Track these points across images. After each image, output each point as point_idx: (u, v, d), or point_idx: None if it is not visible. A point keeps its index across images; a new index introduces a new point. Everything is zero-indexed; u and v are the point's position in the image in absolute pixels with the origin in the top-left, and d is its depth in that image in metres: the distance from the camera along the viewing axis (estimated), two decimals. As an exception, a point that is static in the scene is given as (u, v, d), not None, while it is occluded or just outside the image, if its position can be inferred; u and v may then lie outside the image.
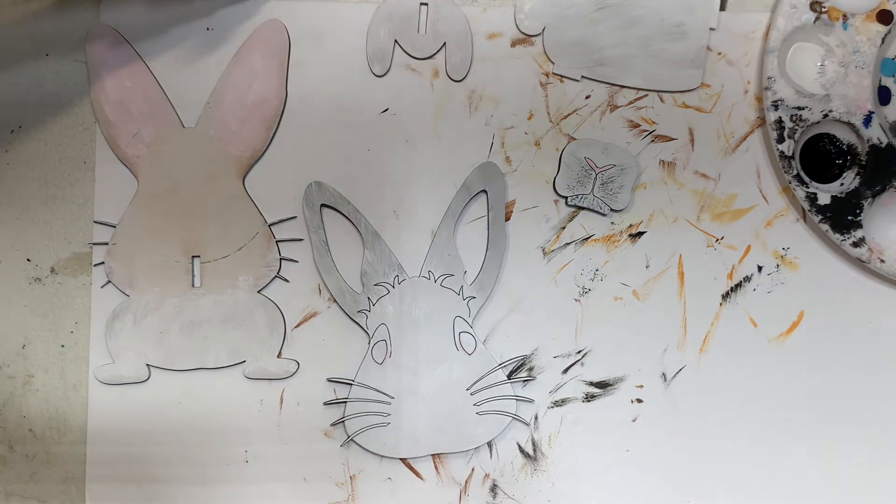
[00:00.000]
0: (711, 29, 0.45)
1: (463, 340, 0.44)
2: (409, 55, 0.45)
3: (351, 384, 0.44)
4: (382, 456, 0.44)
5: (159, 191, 0.44)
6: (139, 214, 0.44)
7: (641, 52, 0.45)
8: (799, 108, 0.44)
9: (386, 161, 0.45)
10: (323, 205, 0.44)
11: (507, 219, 0.45)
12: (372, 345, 0.44)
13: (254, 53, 0.44)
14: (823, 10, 0.44)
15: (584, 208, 0.45)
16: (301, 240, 0.44)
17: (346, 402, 0.44)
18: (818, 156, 0.45)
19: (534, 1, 0.44)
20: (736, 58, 0.45)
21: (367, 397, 0.44)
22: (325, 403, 0.44)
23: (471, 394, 0.44)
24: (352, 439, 0.44)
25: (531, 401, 0.45)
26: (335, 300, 0.44)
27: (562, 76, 0.45)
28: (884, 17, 0.44)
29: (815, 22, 0.44)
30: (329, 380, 0.44)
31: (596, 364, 0.45)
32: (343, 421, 0.44)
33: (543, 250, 0.45)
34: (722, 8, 0.45)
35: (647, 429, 0.45)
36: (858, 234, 0.44)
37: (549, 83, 0.45)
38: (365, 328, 0.44)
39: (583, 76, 0.45)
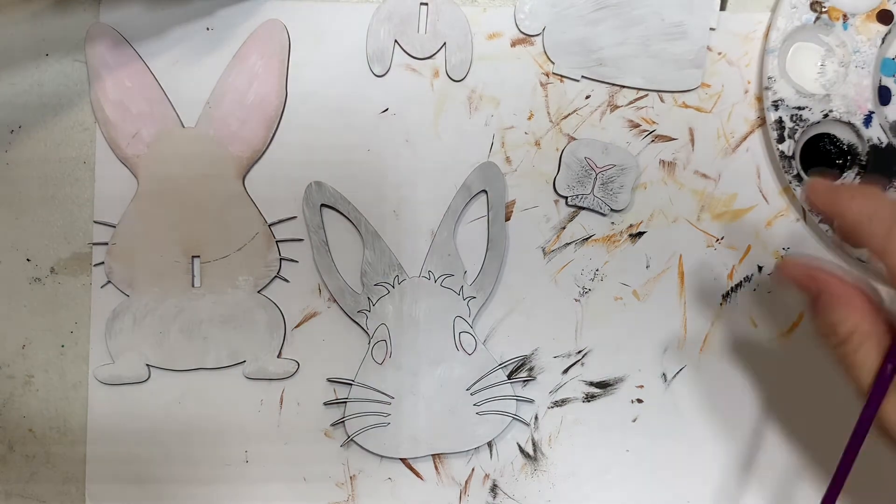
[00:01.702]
0: (711, 29, 0.45)
1: (463, 340, 0.44)
2: (409, 55, 0.45)
3: (351, 384, 0.44)
4: (382, 456, 0.44)
5: (159, 191, 0.44)
6: (139, 214, 0.44)
7: (641, 52, 0.45)
8: (799, 108, 0.44)
9: (386, 161, 0.45)
10: (323, 205, 0.44)
11: (507, 219, 0.45)
12: (372, 345, 0.44)
13: (254, 53, 0.44)
14: (823, 10, 0.44)
15: (584, 208, 0.45)
16: (301, 240, 0.44)
17: (345, 402, 0.44)
18: (818, 156, 0.45)
19: (534, 1, 0.44)
20: (736, 58, 0.45)
21: (366, 397, 0.44)
22: (325, 404, 0.44)
23: (471, 394, 0.44)
24: (352, 439, 0.44)
25: (531, 401, 0.45)
26: (335, 300, 0.44)
27: (562, 76, 0.45)
28: (884, 17, 0.44)
29: (815, 22, 0.44)
30: (329, 380, 0.44)
31: (596, 364, 0.45)
32: (343, 421, 0.44)
33: (543, 250, 0.45)
34: (722, 8, 0.45)
35: (647, 429, 0.45)
36: (858, 234, 0.44)
37: (549, 83, 0.45)
38: (365, 328, 0.44)
39: (583, 76, 0.45)
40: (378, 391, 0.44)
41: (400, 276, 0.44)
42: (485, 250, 0.44)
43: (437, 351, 0.44)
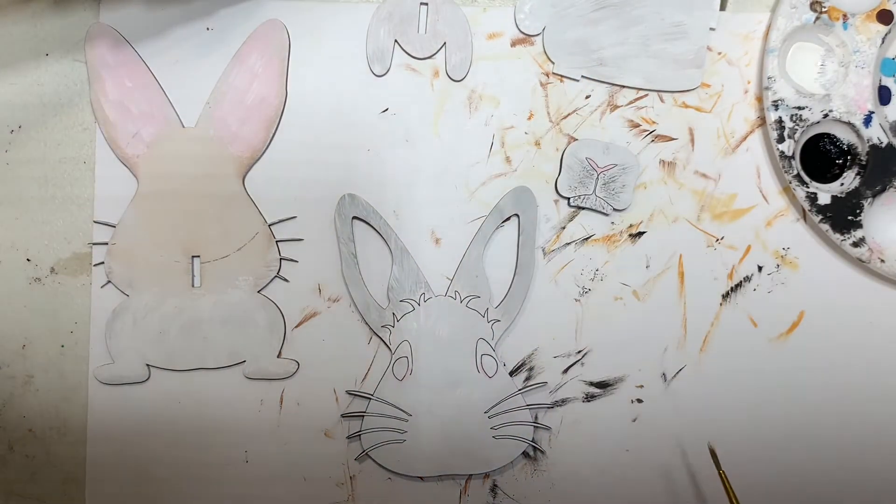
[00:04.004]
0: (711, 29, 0.45)
1: (485, 363, 0.44)
2: (409, 55, 0.45)
3: (370, 398, 0.44)
4: (396, 472, 0.44)
5: (159, 191, 0.44)
6: (139, 214, 0.44)
7: (641, 52, 0.45)
8: (799, 108, 0.44)
9: (386, 161, 0.45)
10: (354, 217, 0.44)
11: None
12: (393, 361, 0.44)
13: (254, 53, 0.44)
14: (823, 10, 0.44)
15: (586, 209, 0.45)
16: (301, 240, 0.44)
17: (363, 415, 0.44)
18: (818, 156, 0.45)
19: (534, 1, 0.44)
20: (736, 58, 0.45)
21: (384, 413, 0.44)
22: (343, 416, 0.44)
23: (489, 417, 0.44)
24: (367, 453, 0.44)
25: (548, 428, 0.45)
26: (360, 314, 0.44)
27: (562, 76, 0.45)
28: (884, 16, 0.44)
29: (815, 22, 0.44)
30: (349, 392, 0.44)
31: (596, 364, 0.45)
32: (360, 434, 0.44)
33: (543, 250, 0.45)
34: (722, 8, 0.45)
35: (647, 429, 0.45)
36: (858, 234, 0.44)
37: (549, 83, 0.45)
38: (388, 343, 0.44)
39: (583, 76, 0.45)
40: (396, 407, 0.44)
41: (426, 293, 0.44)
42: (512, 274, 0.44)
43: (457, 372, 0.44)
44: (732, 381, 0.45)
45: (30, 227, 0.44)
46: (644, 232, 0.45)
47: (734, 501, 0.38)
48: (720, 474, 0.39)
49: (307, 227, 0.44)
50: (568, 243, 0.45)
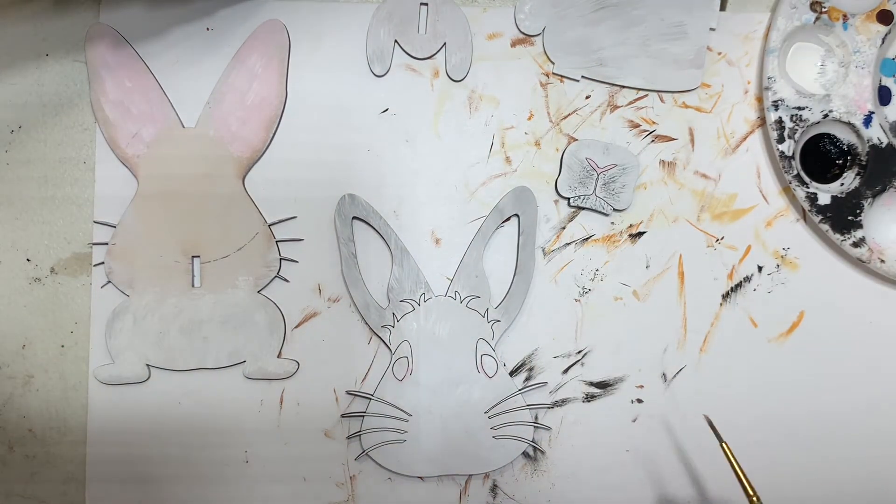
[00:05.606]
0: (711, 29, 0.45)
1: (485, 363, 0.44)
2: (409, 55, 0.45)
3: (370, 399, 0.44)
4: (396, 472, 0.44)
5: (159, 191, 0.44)
6: (139, 214, 0.44)
7: (641, 52, 0.45)
8: (799, 108, 0.44)
9: (386, 161, 0.45)
10: (354, 217, 0.44)
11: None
12: (393, 361, 0.44)
13: (254, 53, 0.44)
14: (823, 10, 0.44)
15: (586, 209, 0.45)
16: (301, 240, 0.44)
17: (363, 416, 0.44)
18: (818, 156, 0.45)
19: (534, 1, 0.44)
20: (736, 58, 0.45)
21: (384, 413, 0.44)
22: (343, 416, 0.44)
23: (488, 417, 0.44)
24: (367, 453, 0.44)
25: (548, 428, 0.45)
26: (360, 314, 0.44)
27: (562, 76, 0.45)
28: (884, 17, 0.44)
29: (815, 22, 0.44)
30: (349, 392, 0.44)
31: (596, 364, 0.45)
32: (360, 434, 0.44)
33: (543, 250, 0.45)
34: (722, 8, 0.45)
35: (647, 429, 0.45)
36: (858, 234, 0.44)
37: (549, 83, 0.45)
38: (388, 343, 0.44)
39: (583, 76, 0.45)
40: (396, 407, 0.44)
41: (426, 294, 0.44)
42: (512, 274, 0.44)
43: (457, 372, 0.44)
44: (732, 381, 0.45)
45: (30, 227, 0.44)
46: (644, 232, 0.45)
47: (740, 473, 0.37)
48: (723, 447, 0.38)
49: (307, 227, 0.44)
50: (568, 243, 0.45)
